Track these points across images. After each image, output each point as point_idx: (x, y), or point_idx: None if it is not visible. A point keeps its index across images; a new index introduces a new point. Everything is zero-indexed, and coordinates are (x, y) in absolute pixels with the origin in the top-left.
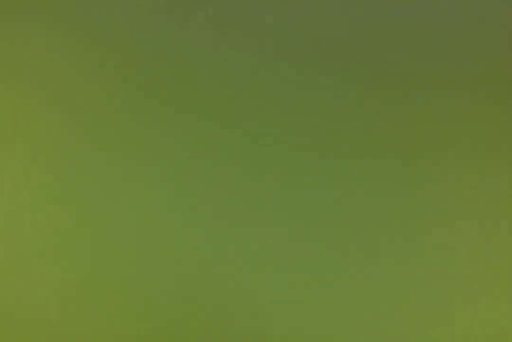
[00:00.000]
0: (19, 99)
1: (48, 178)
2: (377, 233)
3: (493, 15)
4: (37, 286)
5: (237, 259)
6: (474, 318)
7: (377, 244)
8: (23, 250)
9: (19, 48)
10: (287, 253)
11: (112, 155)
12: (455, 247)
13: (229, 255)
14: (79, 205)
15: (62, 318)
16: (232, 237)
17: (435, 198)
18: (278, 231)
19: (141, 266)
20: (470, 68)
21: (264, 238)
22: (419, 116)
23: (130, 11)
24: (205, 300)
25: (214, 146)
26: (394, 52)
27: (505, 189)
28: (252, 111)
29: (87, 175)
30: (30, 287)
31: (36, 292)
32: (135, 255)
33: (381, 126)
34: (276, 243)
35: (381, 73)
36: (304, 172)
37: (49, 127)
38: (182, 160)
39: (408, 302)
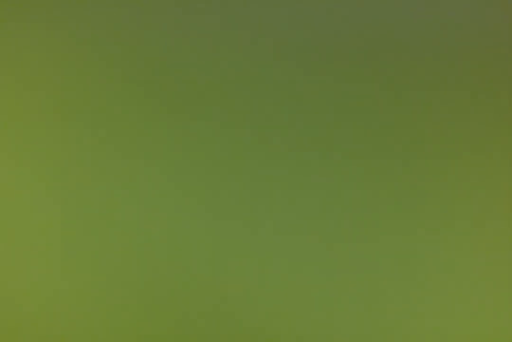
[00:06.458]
0: (19, 99)
1: (49, 179)
2: (377, 232)
3: (493, 15)
4: (37, 287)
5: (238, 259)
6: (473, 318)
7: (377, 243)
8: (24, 251)
9: (19, 48)
10: (288, 252)
11: (112, 155)
12: (454, 246)
13: (230, 255)
14: (79, 205)
15: (63, 318)
16: (233, 236)
17: (435, 197)
18: (279, 231)
19: (143, 266)
20: (469, 68)
21: (265, 238)
22: (419, 116)
23: (129, 11)
24: (206, 300)
25: (214, 147)
26: (394, 52)
27: (505, 188)
28: (251, 111)
29: (87, 175)
30: (30, 288)
31: (36, 293)
32: (137, 255)
33: (380, 126)
34: (277, 243)
35: (380, 73)
36: (304, 172)
37: (49, 127)
38: (182, 161)
39: (407, 302)
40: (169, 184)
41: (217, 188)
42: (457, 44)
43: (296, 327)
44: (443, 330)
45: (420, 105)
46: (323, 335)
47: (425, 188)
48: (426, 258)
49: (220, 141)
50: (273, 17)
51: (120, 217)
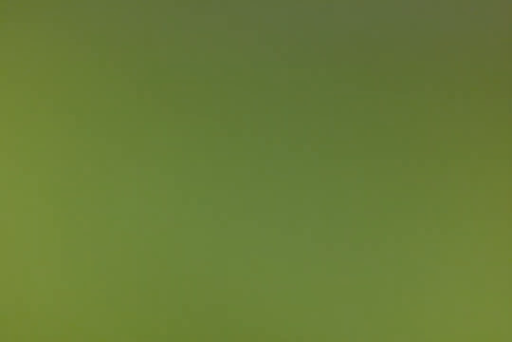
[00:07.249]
0: (19, 99)
1: (49, 178)
2: (377, 232)
3: (493, 15)
4: (37, 286)
5: (237, 259)
6: (474, 318)
7: (377, 243)
8: (24, 250)
9: (19, 48)
10: (287, 252)
11: (112, 154)
12: (455, 246)
13: (230, 255)
14: (79, 204)
15: (63, 318)
16: (233, 236)
17: (435, 197)
18: (278, 230)
19: (143, 265)
20: (470, 68)
21: (264, 237)
22: (419, 116)
23: (130, 11)
24: (206, 300)
25: (214, 146)
26: (395, 52)
27: (505, 188)
28: (252, 111)
29: (87, 175)
30: (30, 287)
31: (36, 292)
32: (137, 255)
33: (380, 126)
34: (277, 242)
35: (381, 73)
36: (304, 172)
37: (49, 127)
38: (182, 160)
39: (408, 302)
40: (169, 183)
41: (217, 188)
42: (457, 44)
43: (296, 327)
44: (444, 330)
45: (420, 105)
46: (323, 335)
47: (425, 188)
48: (426, 258)
49: (220, 141)
50: (273, 17)
51: (120, 217)
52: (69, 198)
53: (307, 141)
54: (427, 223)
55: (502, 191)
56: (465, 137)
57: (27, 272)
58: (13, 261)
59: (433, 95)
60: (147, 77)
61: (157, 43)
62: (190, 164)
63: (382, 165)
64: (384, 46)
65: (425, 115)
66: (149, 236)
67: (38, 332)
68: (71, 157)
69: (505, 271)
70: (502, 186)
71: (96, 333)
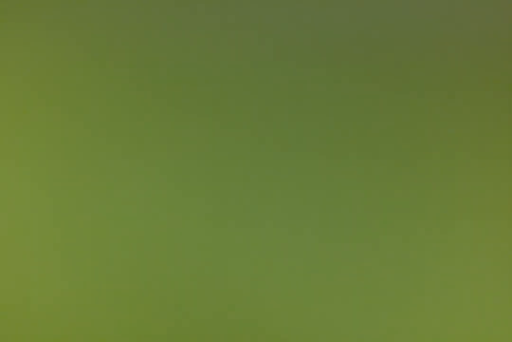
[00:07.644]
0: (19, 99)
1: (49, 178)
2: (377, 232)
3: (493, 15)
4: (37, 287)
5: (237, 259)
6: (473, 318)
7: (377, 243)
8: (24, 250)
9: (19, 48)
10: (287, 252)
11: (112, 155)
12: (454, 246)
13: (230, 255)
14: (79, 204)
15: (63, 319)
16: (233, 236)
17: (435, 197)
18: (278, 231)
19: (143, 266)
20: (470, 68)
21: (264, 237)
22: (419, 116)
23: (130, 11)
24: (206, 300)
25: (214, 146)
26: (395, 52)
27: (505, 188)
28: (252, 111)
29: (87, 175)
30: (30, 288)
31: (36, 293)
32: (137, 255)
33: (380, 126)
34: (276, 242)
35: (381, 73)
36: (304, 172)
37: (49, 127)
38: (182, 160)
39: (407, 302)
40: (169, 183)
41: (217, 188)
42: (457, 44)
43: (296, 327)
44: (444, 329)
45: (420, 105)
46: (323, 335)
47: (425, 188)
48: (426, 258)
49: (220, 141)
50: (273, 17)
51: (120, 217)
52: (69, 198)
53: (307, 141)
54: (427, 223)
55: (502, 191)
56: (465, 137)
57: (27, 272)
58: (13, 261)
59: (433, 95)
60: (147, 77)
61: (157, 43)
62: (190, 164)
63: (382, 165)
64: (384, 46)
65: (425, 115)
66: (149, 236)
67: (38, 332)
68: (71, 157)
69: (505, 271)
70: (502, 186)
71: (96, 333)
